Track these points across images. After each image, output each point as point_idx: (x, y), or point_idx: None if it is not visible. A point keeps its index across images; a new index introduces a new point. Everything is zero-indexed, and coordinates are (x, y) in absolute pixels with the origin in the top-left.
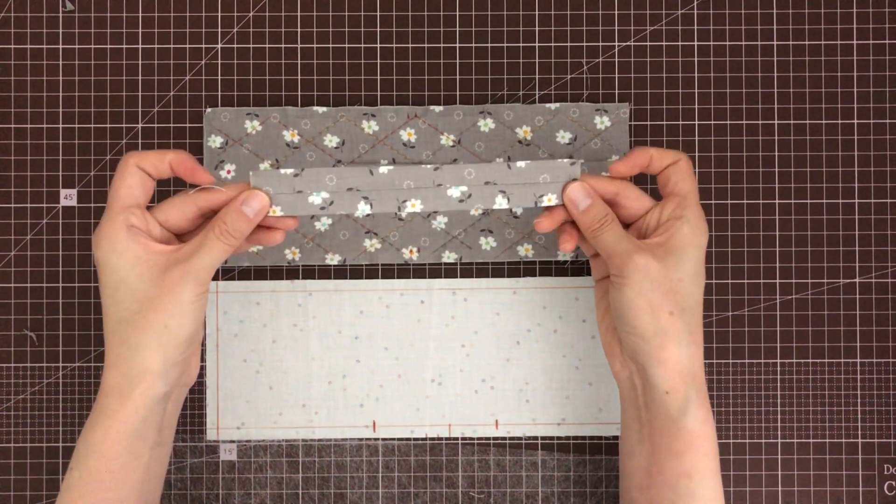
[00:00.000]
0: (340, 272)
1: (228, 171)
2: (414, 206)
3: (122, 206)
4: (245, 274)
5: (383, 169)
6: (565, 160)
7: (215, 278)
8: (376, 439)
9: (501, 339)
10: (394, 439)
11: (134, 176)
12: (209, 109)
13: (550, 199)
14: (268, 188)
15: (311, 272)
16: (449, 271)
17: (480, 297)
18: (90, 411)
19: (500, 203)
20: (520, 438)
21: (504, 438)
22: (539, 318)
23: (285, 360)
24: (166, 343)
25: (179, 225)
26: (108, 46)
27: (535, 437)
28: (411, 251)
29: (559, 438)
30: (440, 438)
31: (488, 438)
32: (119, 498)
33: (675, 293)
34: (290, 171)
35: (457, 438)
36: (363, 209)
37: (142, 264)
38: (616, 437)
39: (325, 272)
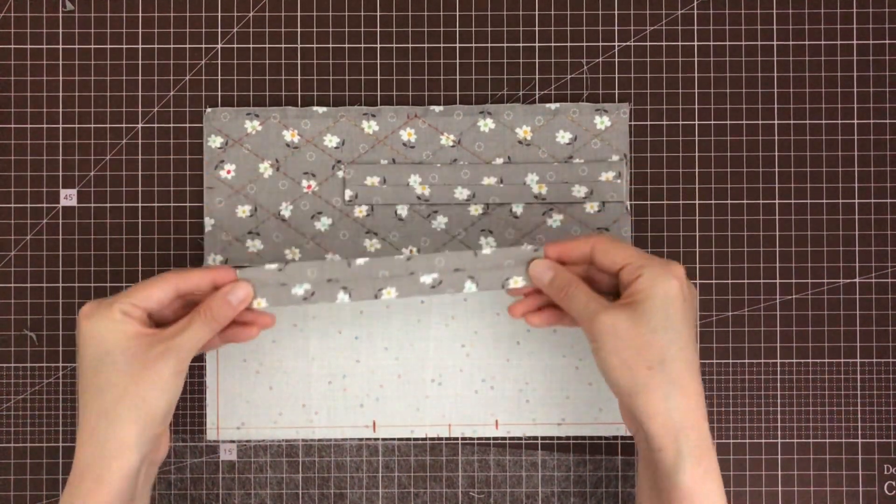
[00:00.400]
0: None
1: (228, 172)
2: (389, 293)
3: (131, 303)
4: None
5: (360, 261)
6: (529, 247)
7: None
8: (376, 439)
9: (501, 339)
10: (394, 439)
11: (162, 292)
12: (209, 109)
13: (517, 282)
14: (253, 281)
15: None
16: None
17: (480, 297)
18: (61, 494)
19: (469, 287)
20: (520, 438)
21: (504, 438)
22: None
23: (285, 360)
24: (144, 415)
25: (163, 314)
26: (108, 46)
27: (535, 437)
28: (411, 251)
29: (559, 438)
30: (440, 438)
31: (488, 438)
32: None
33: (649, 347)
34: (273, 266)
35: (457, 438)
36: (342, 298)
37: (129, 340)
38: (616, 438)
39: None
